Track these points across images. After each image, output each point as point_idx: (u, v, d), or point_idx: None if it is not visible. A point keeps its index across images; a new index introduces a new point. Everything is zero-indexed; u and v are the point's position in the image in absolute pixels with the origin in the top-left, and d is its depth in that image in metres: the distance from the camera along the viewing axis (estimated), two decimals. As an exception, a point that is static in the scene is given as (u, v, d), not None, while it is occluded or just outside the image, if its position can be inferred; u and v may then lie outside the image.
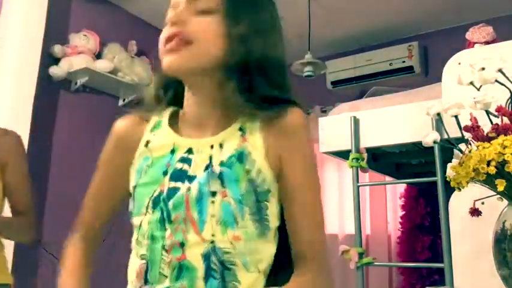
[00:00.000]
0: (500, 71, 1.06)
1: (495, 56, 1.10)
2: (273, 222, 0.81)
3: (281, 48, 0.87)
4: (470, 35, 2.11)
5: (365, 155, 2.05)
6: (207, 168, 0.79)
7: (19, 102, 2.38)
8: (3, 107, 2.33)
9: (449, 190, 1.47)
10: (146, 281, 0.79)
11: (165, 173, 0.81)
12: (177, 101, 0.89)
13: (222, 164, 0.79)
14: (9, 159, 1.54)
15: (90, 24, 2.89)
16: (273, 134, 0.81)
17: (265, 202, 0.79)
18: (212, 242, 0.76)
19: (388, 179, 2.89)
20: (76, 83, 2.80)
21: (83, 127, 2.84)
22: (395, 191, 3.33)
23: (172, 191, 0.79)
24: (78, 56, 2.73)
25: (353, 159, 2.04)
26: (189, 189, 0.78)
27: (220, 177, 0.78)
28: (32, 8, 2.48)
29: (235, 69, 0.80)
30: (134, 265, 0.82)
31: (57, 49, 2.67)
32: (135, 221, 0.83)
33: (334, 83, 3.62)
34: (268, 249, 0.81)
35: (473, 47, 2.02)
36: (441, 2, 3.06)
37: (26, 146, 2.35)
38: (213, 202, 0.77)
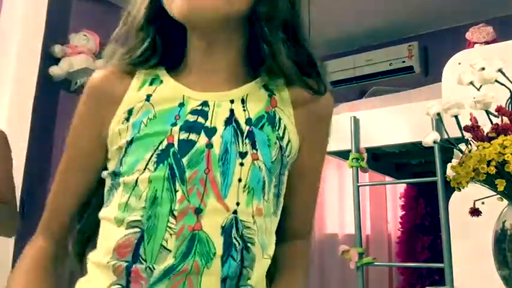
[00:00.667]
0: (500, 71, 1.06)
1: (495, 56, 1.10)
2: (282, 201, 0.73)
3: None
4: (470, 35, 2.11)
5: (365, 155, 2.05)
6: (228, 123, 0.66)
7: (19, 102, 2.37)
8: (3, 107, 2.33)
9: (449, 190, 1.47)
10: (136, 258, 0.63)
11: (173, 125, 0.66)
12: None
13: (249, 122, 0.67)
14: None
15: (90, 24, 2.88)
16: (305, 109, 0.72)
17: (283, 176, 0.71)
18: (235, 212, 0.64)
19: (388, 179, 2.89)
20: (76, 83, 2.80)
21: (83, 127, 2.84)
22: (396, 191, 3.33)
23: (186, 144, 0.64)
24: (78, 56, 2.73)
25: (353, 159, 2.04)
26: (209, 144, 0.64)
27: (251, 137, 0.66)
28: (32, 8, 2.48)
29: (262, 22, 0.68)
30: (114, 235, 0.64)
31: (57, 49, 2.67)
32: (127, 179, 0.66)
33: (334, 83, 3.62)
34: (274, 231, 0.72)
35: (473, 47, 2.02)
36: (441, 2, 3.06)
37: (26, 146, 2.36)
38: (241, 164, 0.64)
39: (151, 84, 0.71)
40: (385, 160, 2.53)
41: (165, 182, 0.63)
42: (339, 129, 2.17)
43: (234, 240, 0.63)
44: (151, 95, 0.69)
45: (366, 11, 3.19)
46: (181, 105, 0.68)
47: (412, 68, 3.32)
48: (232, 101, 0.68)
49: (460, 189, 1.04)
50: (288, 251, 0.75)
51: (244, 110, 0.68)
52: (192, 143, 0.64)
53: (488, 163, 0.97)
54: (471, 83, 1.10)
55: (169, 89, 0.70)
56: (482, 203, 1.11)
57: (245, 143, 0.65)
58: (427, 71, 3.40)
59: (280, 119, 0.70)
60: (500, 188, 0.98)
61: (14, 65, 2.39)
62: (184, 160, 0.64)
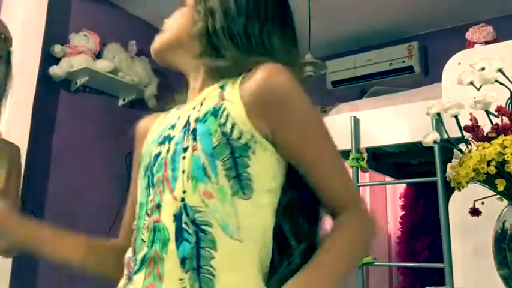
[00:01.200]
0: (500, 71, 1.06)
1: (495, 56, 1.10)
2: (259, 183, 0.74)
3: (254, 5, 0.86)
4: (470, 35, 2.11)
5: (365, 155, 2.05)
6: (184, 127, 0.78)
7: (19, 102, 2.37)
8: (3, 107, 2.32)
9: (449, 190, 1.47)
10: (134, 252, 0.78)
11: (155, 143, 0.83)
12: None
13: (197, 120, 0.77)
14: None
15: (90, 24, 2.88)
16: (251, 92, 0.76)
17: (244, 158, 0.74)
18: (183, 199, 0.72)
19: (388, 179, 2.89)
20: (76, 83, 2.80)
21: (83, 127, 2.84)
22: (396, 191, 3.33)
23: (157, 156, 0.79)
24: (78, 56, 2.73)
25: (353, 159, 2.04)
26: (168, 150, 0.78)
27: (194, 132, 0.75)
28: (32, 8, 2.48)
29: (203, 36, 0.84)
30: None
31: (57, 49, 2.67)
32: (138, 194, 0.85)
33: (334, 83, 3.62)
34: (254, 216, 0.73)
35: (473, 47, 2.01)
36: (441, 2, 3.06)
37: (26, 146, 2.36)
38: (184, 158, 0.74)
39: (167, 113, 0.92)
40: (385, 160, 2.52)
41: (145, 190, 0.80)
42: (339, 129, 2.17)
43: (184, 225, 0.71)
44: (161, 122, 0.89)
45: (366, 11, 3.19)
46: (173, 126, 0.82)
47: (412, 68, 3.32)
48: (194, 108, 0.80)
49: (460, 189, 1.04)
50: (332, 228, 0.79)
51: (198, 111, 0.79)
52: (159, 154, 0.79)
53: (488, 163, 0.97)
54: (471, 83, 1.10)
55: (170, 115, 0.89)
56: (482, 203, 1.11)
57: (188, 139, 0.76)
58: (427, 71, 3.39)
59: (224, 109, 0.76)
60: (500, 188, 0.98)
61: (14, 64, 2.39)
62: (154, 169, 0.79)
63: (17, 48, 2.42)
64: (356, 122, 2.09)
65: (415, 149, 2.28)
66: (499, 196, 1.05)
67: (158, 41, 0.90)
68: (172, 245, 0.71)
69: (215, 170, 0.73)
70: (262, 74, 0.75)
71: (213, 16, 0.83)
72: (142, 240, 0.76)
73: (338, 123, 2.18)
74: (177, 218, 0.72)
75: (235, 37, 0.82)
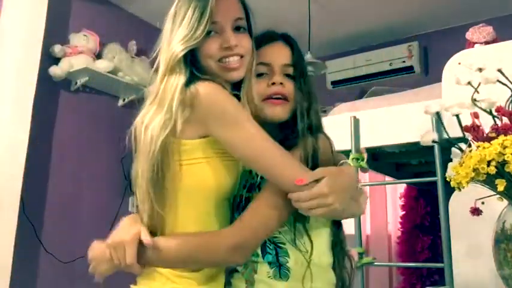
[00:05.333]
0: (499, 71, 1.06)
1: (495, 56, 1.10)
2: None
3: None
4: (470, 35, 2.11)
5: (365, 155, 2.04)
6: None
7: (19, 102, 2.37)
8: (3, 107, 2.33)
9: (449, 190, 1.47)
10: None
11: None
12: None
13: None
14: None
15: (90, 24, 2.88)
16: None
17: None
18: None
19: (388, 179, 2.88)
20: (76, 83, 2.81)
21: (83, 127, 2.84)
22: (396, 191, 3.33)
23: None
24: (78, 56, 2.73)
25: (353, 159, 2.04)
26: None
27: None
28: (32, 8, 2.48)
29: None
30: None
31: (57, 49, 2.67)
32: None
33: (334, 83, 3.62)
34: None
35: (473, 47, 2.01)
36: (441, 2, 3.06)
37: (26, 146, 2.36)
38: None
39: None
40: (385, 160, 2.52)
41: None
42: (339, 129, 2.17)
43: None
44: None
45: (366, 11, 3.19)
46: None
47: (412, 68, 3.32)
48: None
49: (460, 189, 1.04)
50: None
51: None
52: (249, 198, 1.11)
53: (488, 163, 0.97)
54: (469, 83, 1.10)
55: None
56: (482, 203, 1.11)
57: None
58: (427, 71, 3.40)
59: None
60: (500, 188, 0.98)
61: (14, 65, 2.39)
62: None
63: (17, 48, 2.43)
64: (356, 122, 2.09)
65: (415, 149, 2.28)
66: (499, 196, 1.05)
67: (284, 111, 1.13)
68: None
69: None
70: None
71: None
72: None
73: (338, 123, 2.18)
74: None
75: None
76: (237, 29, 1.07)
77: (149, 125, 1.00)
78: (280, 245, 1.04)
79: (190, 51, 1.03)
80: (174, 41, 1.02)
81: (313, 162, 1.02)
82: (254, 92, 1.09)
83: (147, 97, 1.06)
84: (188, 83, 0.99)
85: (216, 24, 1.04)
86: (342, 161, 1.12)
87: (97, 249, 1.02)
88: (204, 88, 0.98)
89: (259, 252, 1.04)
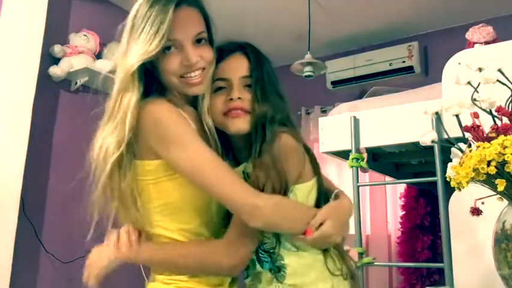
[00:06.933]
0: (499, 71, 1.06)
1: (495, 56, 1.10)
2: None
3: None
4: (470, 35, 2.11)
5: (365, 155, 2.05)
6: None
7: (19, 102, 2.37)
8: (3, 107, 2.32)
9: (449, 190, 1.47)
10: None
11: None
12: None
13: None
14: None
15: (90, 24, 2.88)
16: None
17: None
18: None
19: (388, 179, 2.89)
20: (76, 83, 2.80)
21: (83, 127, 2.83)
22: (396, 191, 3.33)
23: None
24: (78, 56, 2.73)
25: (353, 159, 2.04)
26: None
27: None
28: (32, 8, 2.48)
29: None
30: None
31: (57, 49, 2.67)
32: None
33: (334, 83, 3.62)
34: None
35: (473, 47, 2.01)
36: (441, 2, 3.06)
37: (26, 146, 2.36)
38: None
39: None
40: (385, 160, 2.52)
41: None
42: (339, 129, 2.17)
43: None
44: None
45: (366, 11, 3.19)
46: None
47: (412, 68, 3.32)
48: None
49: (460, 189, 1.04)
50: None
51: None
52: None
53: (488, 163, 0.97)
54: (469, 82, 1.10)
55: None
56: (482, 203, 1.11)
57: None
58: (427, 71, 3.40)
59: None
60: (500, 188, 0.98)
61: (14, 65, 2.39)
62: None
63: (17, 48, 2.43)
64: (356, 122, 2.09)
65: (415, 149, 2.28)
66: (499, 196, 1.05)
67: (246, 124, 1.10)
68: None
69: None
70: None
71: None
72: None
73: (338, 123, 2.18)
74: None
75: None
76: (198, 41, 1.05)
77: (103, 146, 1.03)
78: (272, 250, 1.08)
79: (152, 65, 1.02)
80: (129, 54, 1.03)
81: (276, 170, 1.00)
82: (214, 107, 1.09)
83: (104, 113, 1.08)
84: (143, 99, 0.99)
85: (175, 41, 1.02)
86: (336, 191, 1.15)
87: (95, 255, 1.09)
88: (148, 108, 0.98)
89: (257, 263, 1.09)
